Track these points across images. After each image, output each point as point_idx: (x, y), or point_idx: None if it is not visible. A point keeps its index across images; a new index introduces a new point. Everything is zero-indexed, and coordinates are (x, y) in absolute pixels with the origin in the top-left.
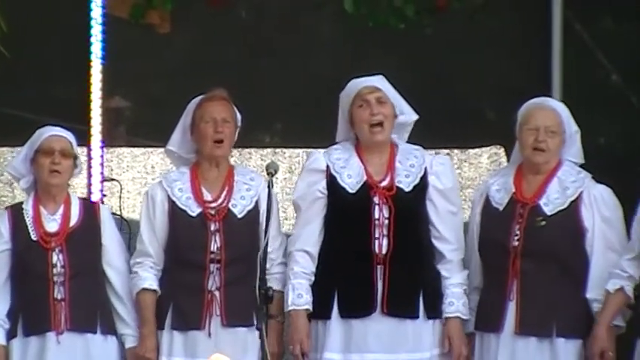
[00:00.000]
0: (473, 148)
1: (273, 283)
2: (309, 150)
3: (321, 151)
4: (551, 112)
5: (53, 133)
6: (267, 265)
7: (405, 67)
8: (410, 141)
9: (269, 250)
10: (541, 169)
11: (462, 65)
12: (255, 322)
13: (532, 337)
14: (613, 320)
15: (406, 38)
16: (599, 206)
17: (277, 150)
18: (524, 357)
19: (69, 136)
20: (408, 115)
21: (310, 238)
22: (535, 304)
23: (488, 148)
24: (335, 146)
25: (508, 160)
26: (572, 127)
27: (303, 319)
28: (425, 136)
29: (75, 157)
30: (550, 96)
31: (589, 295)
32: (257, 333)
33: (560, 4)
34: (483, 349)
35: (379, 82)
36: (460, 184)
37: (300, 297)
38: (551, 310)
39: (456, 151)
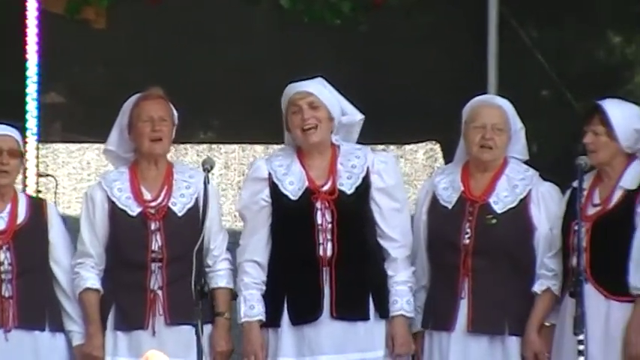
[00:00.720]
0: (409, 144)
1: (219, 280)
2: (244, 145)
3: (263, 157)
4: (497, 109)
5: None
6: (211, 262)
7: (341, 64)
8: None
9: (212, 246)
10: (488, 167)
11: (398, 61)
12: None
13: (484, 336)
14: (543, 321)
15: (342, 34)
16: (547, 203)
17: (213, 146)
18: (477, 355)
19: (15, 134)
20: (352, 116)
21: (258, 247)
22: (487, 303)
23: (424, 143)
24: (277, 152)
25: (444, 156)
26: (517, 124)
27: (257, 330)
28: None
29: (22, 155)
30: (486, 93)
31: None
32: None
33: (495, 1)
34: (433, 347)
35: (313, 86)
36: None
37: (252, 308)
38: (502, 308)
39: (392, 147)
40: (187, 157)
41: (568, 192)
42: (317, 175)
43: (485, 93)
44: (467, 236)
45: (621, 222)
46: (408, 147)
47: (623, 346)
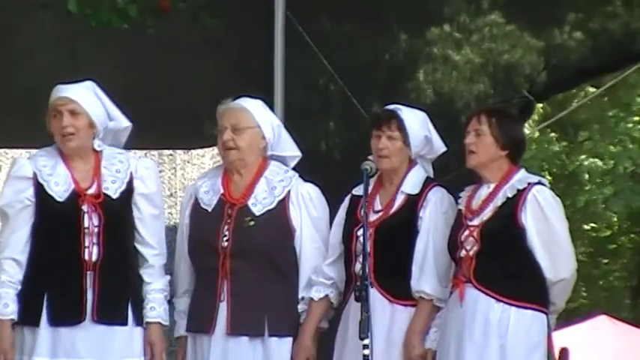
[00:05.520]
0: (195, 148)
1: None
2: (32, 151)
3: (25, 156)
4: (237, 110)
5: None
6: None
7: (129, 68)
8: (130, 142)
9: None
10: (241, 169)
11: (185, 66)
12: None
13: (244, 337)
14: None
15: (130, 39)
16: (307, 205)
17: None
18: (236, 357)
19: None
20: (118, 122)
21: (19, 245)
22: (246, 305)
23: (210, 148)
24: (40, 152)
25: None
26: (271, 122)
27: (8, 329)
28: (148, 137)
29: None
30: (272, 97)
31: (300, 294)
32: None
33: (282, 4)
34: (196, 350)
35: (77, 92)
36: (183, 185)
37: (6, 306)
38: (262, 309)
39: (179, 152)
40: None
41: (347, 199)
42: (82, 177)
43: (271, 97)
44: (225, 239)
45: (404, 227)
46: (194, 152)
47: (404, 349)
